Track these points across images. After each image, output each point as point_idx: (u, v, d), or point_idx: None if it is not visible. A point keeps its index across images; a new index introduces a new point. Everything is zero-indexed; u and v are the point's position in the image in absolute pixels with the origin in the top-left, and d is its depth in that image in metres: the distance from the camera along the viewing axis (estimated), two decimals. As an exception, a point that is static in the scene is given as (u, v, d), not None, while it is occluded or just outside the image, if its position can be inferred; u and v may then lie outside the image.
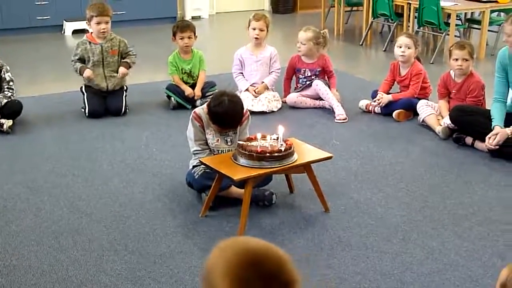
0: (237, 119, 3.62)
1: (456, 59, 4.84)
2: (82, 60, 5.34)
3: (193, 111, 3.77)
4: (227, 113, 3.51)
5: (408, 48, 5.25)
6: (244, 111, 3.72)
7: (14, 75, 5.19)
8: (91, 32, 5.36)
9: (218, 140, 3.70)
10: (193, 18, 10.39)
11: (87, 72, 5.27)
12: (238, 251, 1.35)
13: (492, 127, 4.36)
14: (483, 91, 4.90)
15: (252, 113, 5.07)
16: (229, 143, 3.71)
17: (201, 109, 3.73)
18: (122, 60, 5.43)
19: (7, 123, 4.90)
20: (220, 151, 3.68)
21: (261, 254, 1.34)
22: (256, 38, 5.59)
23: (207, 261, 1.37)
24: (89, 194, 3.84)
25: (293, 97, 5.61)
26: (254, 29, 5.59)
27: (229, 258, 1.34)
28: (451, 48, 4.94)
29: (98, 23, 5.25)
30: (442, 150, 4.56)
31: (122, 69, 5.38)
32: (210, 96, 4.06)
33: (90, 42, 5.32)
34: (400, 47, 5.28)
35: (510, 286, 1.53)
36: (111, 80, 5.38)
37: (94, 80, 5.33)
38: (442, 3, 7.27)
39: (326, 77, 5.65)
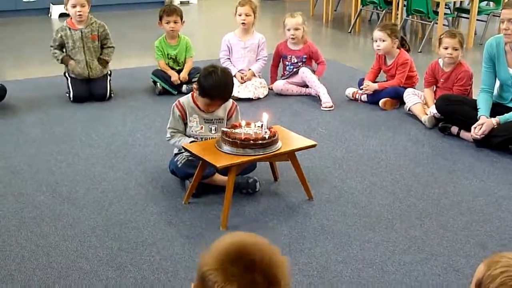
0: (228, 90, 3.57)
1: (446, 48, 4.81)
2: (61, 46, 5.29)
3: (177, 100, 3.73)
4: (218, 84, 3.46)
5: (383, 41, 5.23)
6: (231, 103, 3.70)
7: (-1, 59, 5.15)
8: (72, 18, 5.29)
9: (202, 127, 3.66)
10: (181, 3, 10.32)
11: (71, 65, 5.25)
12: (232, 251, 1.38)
13: (478, 117, 4.36)
14: (471, 81, 4.89)
15: (239, 99, 5.08)
16: (213, 131, 3.67)
17: (186, 98, 3.69)
18: (99, 56, 5.36)
19: (-10, 107, 4.86)
20: (204, 139, 3.64)
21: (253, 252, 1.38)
22: (243, 23, 5.56)
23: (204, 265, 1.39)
24: (72, 179, 3.81)
25: (279, 84, 5.58)
26: (240, 14, 5.56)
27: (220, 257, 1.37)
28: (442, 36, 4.91)
29: (74, 6, 5.19)
30: (428, 139, 4.56)
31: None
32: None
33: (69, 28, 5.25)
34: (376, 41, 5.28)
35: (486, 284, 1.50)
36: (93, 67, 5.31)
37: (78, 70, 5.28)
38: (431, -8, 7.26)
39: (313, 63, 5.63)
